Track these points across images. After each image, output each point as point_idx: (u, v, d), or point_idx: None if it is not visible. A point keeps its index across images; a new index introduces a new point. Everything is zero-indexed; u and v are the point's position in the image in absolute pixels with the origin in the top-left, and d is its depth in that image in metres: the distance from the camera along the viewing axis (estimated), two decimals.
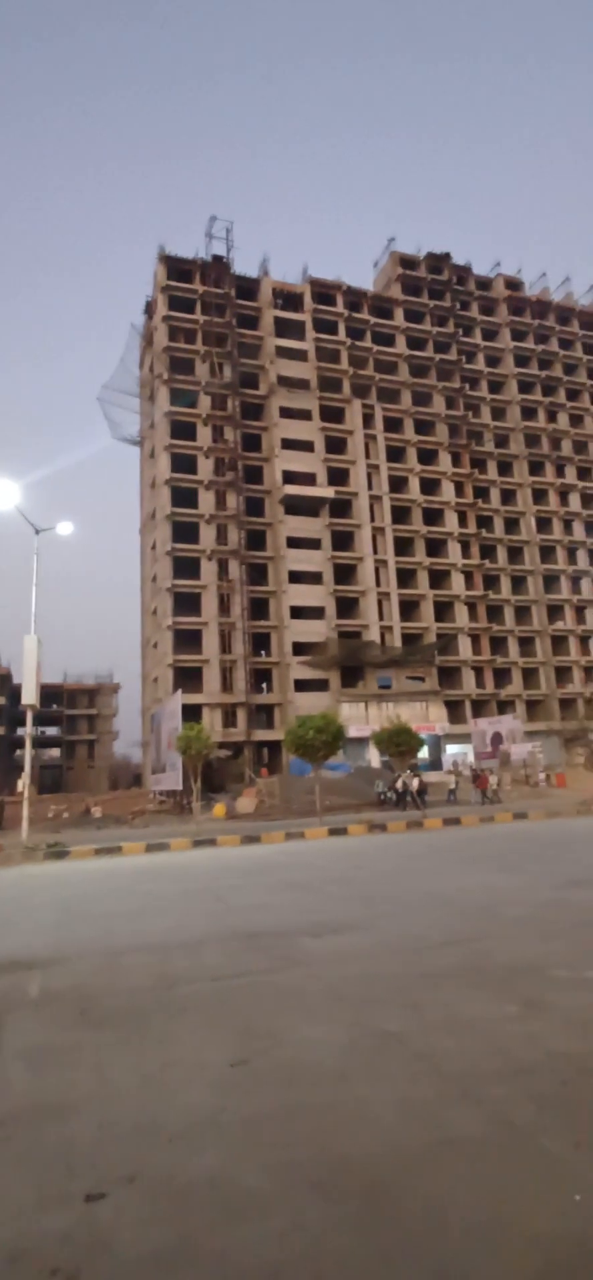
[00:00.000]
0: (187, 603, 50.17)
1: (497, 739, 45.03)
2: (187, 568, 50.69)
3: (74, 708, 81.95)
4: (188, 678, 47.45)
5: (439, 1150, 3.30)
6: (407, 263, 65.30)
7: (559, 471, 65.87)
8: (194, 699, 45.79)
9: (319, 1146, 3.38)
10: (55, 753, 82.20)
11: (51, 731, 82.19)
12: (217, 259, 57.81)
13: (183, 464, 52.43)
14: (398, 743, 26.84)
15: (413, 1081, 4.02)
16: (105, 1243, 2.79)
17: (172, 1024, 5.21)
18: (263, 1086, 4.07)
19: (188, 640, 49.56)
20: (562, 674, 61.04)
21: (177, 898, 11.14)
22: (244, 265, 62.09)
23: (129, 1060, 4.60)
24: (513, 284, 70.09)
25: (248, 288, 59.20)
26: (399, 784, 28.93)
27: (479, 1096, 3.78)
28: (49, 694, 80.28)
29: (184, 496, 51.77)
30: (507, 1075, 4.02)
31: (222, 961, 6.88)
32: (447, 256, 66.25)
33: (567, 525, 64.79)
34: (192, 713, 40.84)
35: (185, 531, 51.23)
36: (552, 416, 67.17)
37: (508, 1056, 4.28)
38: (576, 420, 68.30)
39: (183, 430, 53.17)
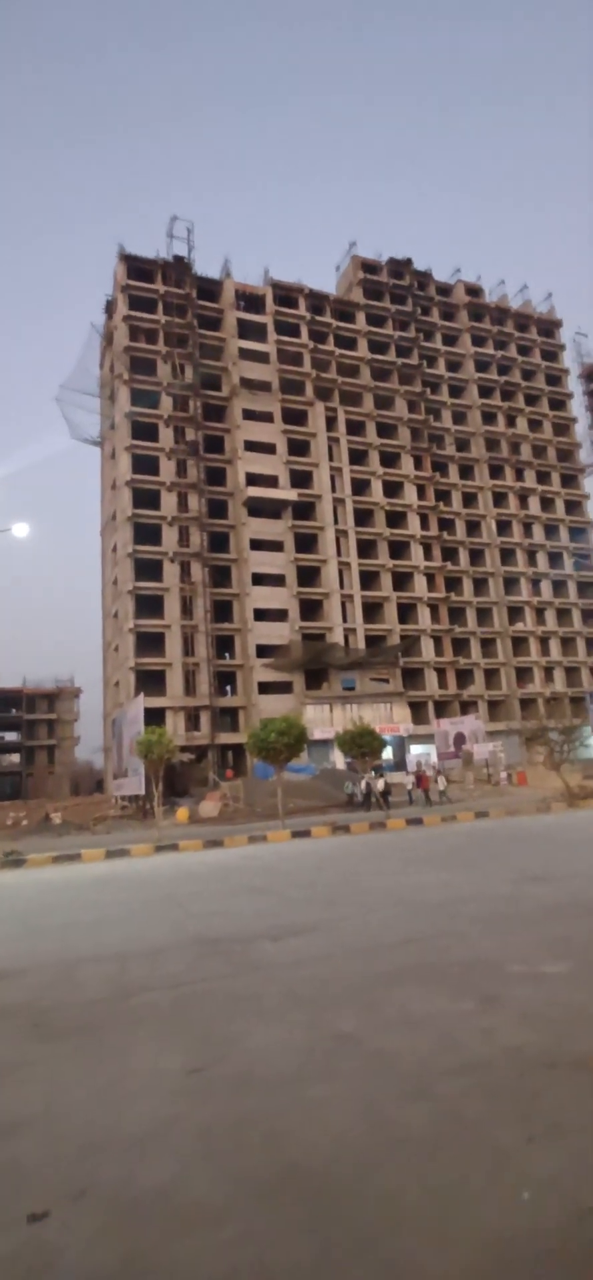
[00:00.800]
0: (148, 605, 49.70)
1: (460, 739, 45.55)
2: (148, 570, 50.24)
3: (33, 713, 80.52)
4: (150, 681, 47.01)
5: (391, 1150, 3.29)
6: (368, 267, 65.80)
7: (519, 475, 67.02)
8: (157, 702, 45.37)
9: (272, 1152, 3.35)
10: (15, 759, 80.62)
11: (10, 737, 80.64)
12: (178, 259, 57.48)
13: (144, 465, 51.98)
14: (361, 744, 26.94)
15: (367, 1081, 4.01)
16: (49, 1263, 2.71)
17: (127, 1034, 5.13)
18: (218, 1094, 4.02)
19: (150, 643, 49.11)
20: (522, 674, 62.10)
21: (136, 905, 10.99)
22: (205, 267, 61.84)
23: (82, 1073, 4.51)
24: (473, 290, 71.16)
25: (209, 289, 59.00)
26: (363, 785, 29.07)
27: (433, 1093, 3.79)
28: (7, 699, 78.79)
29: (146, 498, 51.32)
30: (461, 1071, 4.04)
31: (180, 969, 6.80)
32: (408, 262, 66.93)
33: (527, 528, 65.94)
34: (154, 716, 40.45)
35: (147, 533, 50.78)
36: (511, 421, 68.32)
37: (463, 1052, 4.30)
38: (534, 425, 69.58)
39: (144, 431, 52.72)
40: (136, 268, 56.29)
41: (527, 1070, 3.99)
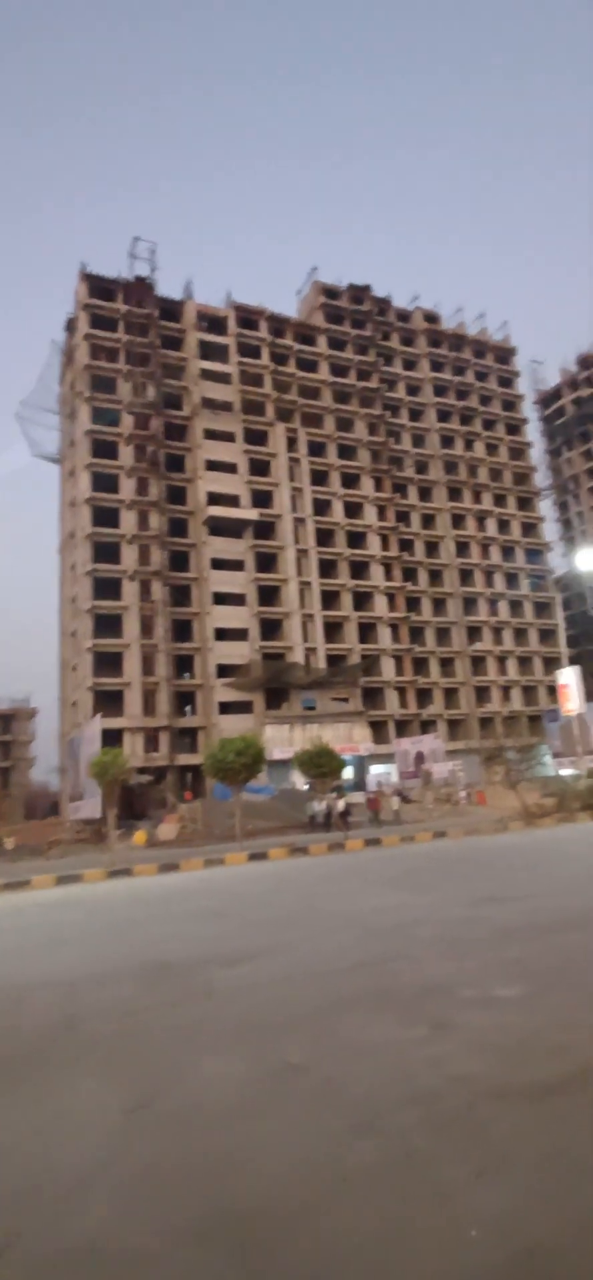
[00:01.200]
0: (107, 625, 49.03)
1: (419, 758, 45.77)
2: (107, 589, 49.61)
3: None
4: (108, 701, 46.28)
5: (336, 1188, 3.19)
6: (329, 292, 66.61)
7: (477, 498, 68.23)
8: (115, 723, 44.64)
9: (212, 1194, 3.22)
10: None
11: None
12: (140, 279, 57.36)
13: (104, 483, 51.46)
14: (319, 764, 26.80)
15: (313, 1115, 3.91)
16: None
17: (71, 1066, 4.93)
18: (160, 1131, 3.87)
19: (108, 663, 48.39)
20: (481, 693, 62.85)
21: (87, 931, 10.69)
22: (167, 288, 61.83)
23: (21, 1110, 4.31)
24: (431, 317, 72.56)
25: (172, 309, 59.00)
26: (323, 805, 28.95)
27: (380, 1126, 3.71)
28: None
29: (105, 516, 50.77)
30: (409, 1102, 3.96)
31: (130, 996, 6.61)
32: (367, 288, 68.01)
33: (484, 549, 67.06)
34: (112, 737, 39.76)
35: (106, 552, 50.19)
36: (469, 445, 69.59)
37: (412, 1082, 4.22)
38: (491, 449, 71.01)
39: (104, 449, 52.25)
40: (98, 286, 56.02)
41: (476, 1101, 3.93)
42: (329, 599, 57.71)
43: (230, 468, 55.53)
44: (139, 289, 56.84)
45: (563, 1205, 2.97)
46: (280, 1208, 3.07)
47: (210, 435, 55.63)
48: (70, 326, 58.88)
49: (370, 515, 61.11)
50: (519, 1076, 4.21)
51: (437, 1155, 3.40)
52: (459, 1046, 4.74)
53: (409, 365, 69.54)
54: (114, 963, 8.13)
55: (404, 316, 71.33)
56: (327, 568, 58.36)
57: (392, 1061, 4.56)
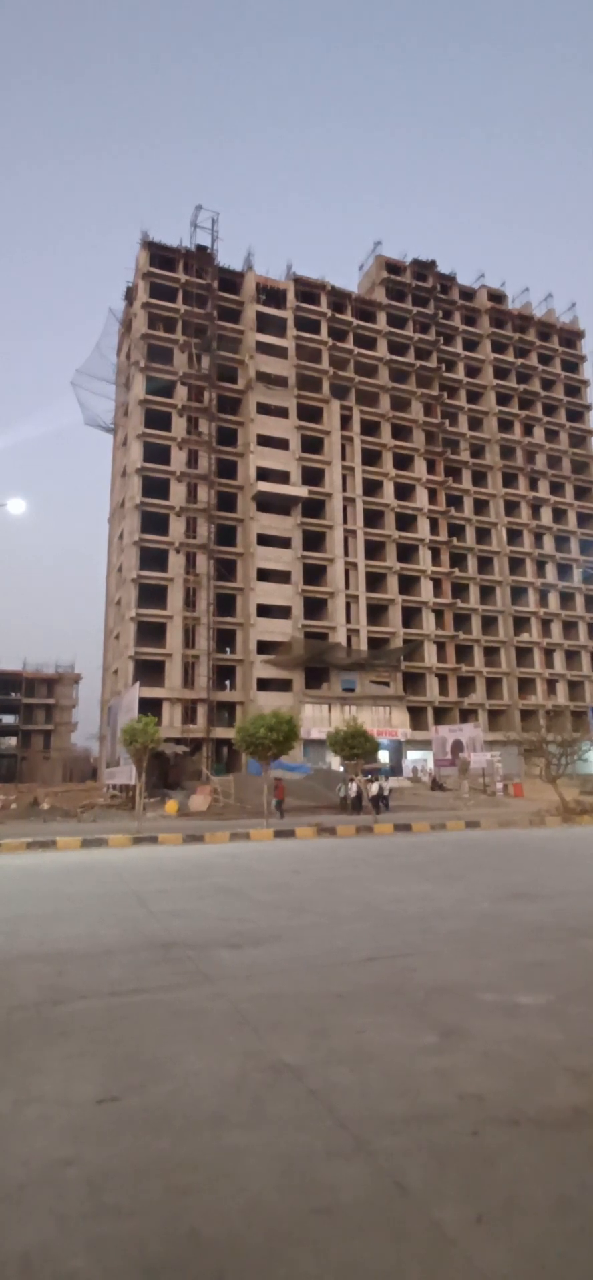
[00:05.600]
0: (152, 595, 49.27)
1: (457, 747, 44.81)
2: (154, 559, 49.81)
3: (32, 697, 79.92)
4: (149, 671, 46.60)
5: (311, 1222, 2.77)
6: (392, 267, 65.15)
7: (532, 485, 66.27)
8: (154, 693, 44.94)
9: (170, 1214, 2.82)
10: (11, 741, 79.96)
11: (8, 720, 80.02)
12: (201, 249, 56.97)
13: (155, 454, 51.52)
14: (352, 745, 26.29)
15: (300, 1127, 3.49)
16: None
17: (45, 1049, 4.59)
18: (126, 1131, 3.49)
19: (151, 633, 48.68)
20: (525, 685, 61.38)
21: (95, 900, 10.43)
22: (228, 258, 61.30)
23: None
24: (496, 296, 70.43)
25: (231, 281, 58.48)
26: (353, 788, 28.46)
27: (372, 1149, 3.27)
28: (7, 682, 78.36)
29: (155, 487, 50.89)
30: (408, 1122, 3.52)
31: (123, 975, 6.26)
32: (432, 264, 66.33)
33: (537, 538, 65.20)
34: (151, 706, 40.00)
35: (154, 522, 50.35)
36: (528, 430, 67.55)
37: (414, 1098, 3.78)
38: (551, 435, 68.80)
39: (157, 420, 52.26)
40: (159, 255, 55.71)
41: (484, 1126, 3.46)
42: (375, 581, 56.94)
43: (282, 444, 55.05)
44: (199, 258, 56.46)
45: (577, 1267, 2.49)
46: (247, 1241, 2.66)
47: (263, 410, 55.19)
48: (129, 296, 58.89)
49: (422, 498, 59.96)
50: (536, 1101, 3.74)
51: (432, 1191, 2.95)
52: (471, 1059, 4.27)
53: (470, 345, 67.69)
54: (115, 936, 7.81)
55: (468, 295, 69.42)
56: (374, 549, 57.56)
57: (393, 1071, 4.11)
